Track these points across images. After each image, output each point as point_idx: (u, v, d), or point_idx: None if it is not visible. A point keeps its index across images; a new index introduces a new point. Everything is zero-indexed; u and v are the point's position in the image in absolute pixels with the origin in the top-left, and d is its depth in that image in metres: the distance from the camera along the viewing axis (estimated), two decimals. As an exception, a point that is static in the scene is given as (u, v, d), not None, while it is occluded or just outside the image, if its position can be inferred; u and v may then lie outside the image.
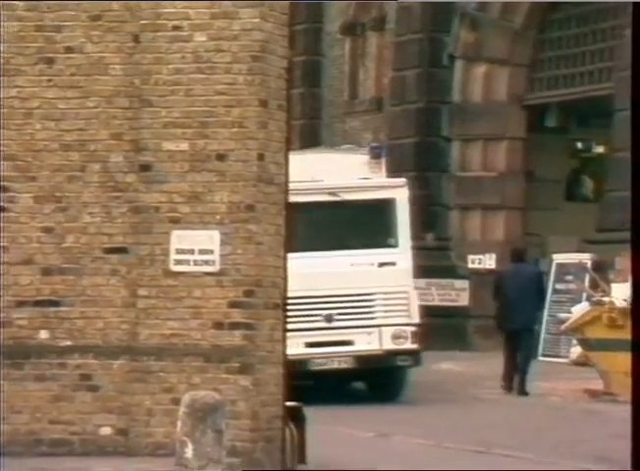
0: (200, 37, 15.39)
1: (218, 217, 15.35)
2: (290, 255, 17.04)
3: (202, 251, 15.31)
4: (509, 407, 28.37)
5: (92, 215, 15.48)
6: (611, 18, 35.86)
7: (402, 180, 24.19)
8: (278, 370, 15.85)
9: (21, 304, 15.46)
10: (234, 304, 15.28)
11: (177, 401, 14.05)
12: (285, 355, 16.12)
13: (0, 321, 15.34)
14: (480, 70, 39.99)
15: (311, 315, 21.44)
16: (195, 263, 15.32)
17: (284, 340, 16.14)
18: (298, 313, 20.16)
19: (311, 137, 41.31)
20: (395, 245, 22.58)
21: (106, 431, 15.36)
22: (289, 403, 16.12)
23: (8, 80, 15.45)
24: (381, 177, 24.19)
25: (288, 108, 16.28)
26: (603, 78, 35.98)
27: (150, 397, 15.29)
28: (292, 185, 17.33)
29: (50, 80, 15.61)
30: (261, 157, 15.52)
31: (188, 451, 13.99)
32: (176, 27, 15.45)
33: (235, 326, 15.30)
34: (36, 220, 15.49)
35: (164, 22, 15.49)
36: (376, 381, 24.93)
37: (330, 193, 21.77)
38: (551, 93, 39.21)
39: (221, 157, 15.38)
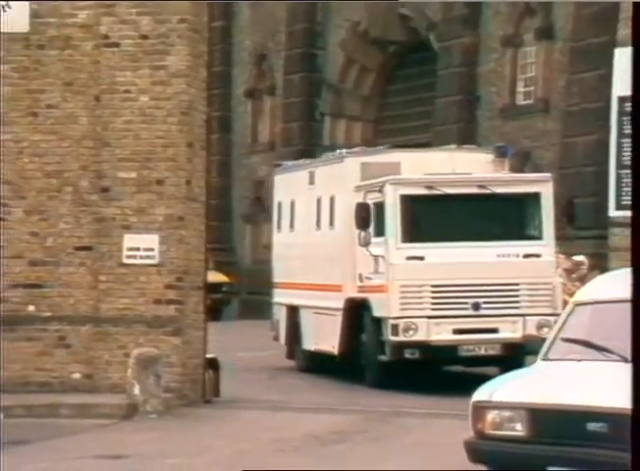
0: (144, 98, 15.65)
1: (157, 225, 15.52)
2: (431, 245, 17.35)
3: (146, 249, 15.53)
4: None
5: (66, 223, 15.77)
6: (429, 90, 35.33)
7: (548, 174, 19.87)
8: (200, 333, 16.02)
9: (14, 287, 15.75)
10: (168, 286, 15.49)
11: (127, 355, 14.89)
12: (205, 322, 16.17)
13: (0, 298, 15.55)
14: (342, 123, 39.81)
15: (459, 303, 17.40)
16: (141, 257, 15.57)
17: (204, 311, 16.23)
18: (447, 300, 17.50)
19: (224, 169, 41.12)
20: (539, 238, 18.21)
21: (76, 376, 15.64)
22: (208, 355, 16.11)
23: (5, 128, 15.67)
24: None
25: (207, 148, 16.58)
26: (424, 131, 35.42)
27: (108, 353, 15.52)
28: (440, 177, 17.80)
29: (35, 128, 15.84)
30: (188, 183, 15.76)
31: (136, 390, 14.39)
32: (126, 91, 15.64)
33: (169, 302, 15.51)
34: (26, 226, 15.80)
35: (118, 87, 15.70)
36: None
37: (479, 186, 17.76)
38: (390, 140, 39.07)
39: (160, 182, 15.57)
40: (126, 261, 15.51)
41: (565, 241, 23.05)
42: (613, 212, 15.02)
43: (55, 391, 15.30)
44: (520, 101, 33.19)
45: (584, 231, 25.04)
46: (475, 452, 8.75)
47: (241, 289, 38.77)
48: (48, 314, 15.66)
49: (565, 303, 11.28)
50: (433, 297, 17.35)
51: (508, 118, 33.21)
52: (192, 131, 15.83)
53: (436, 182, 17.75)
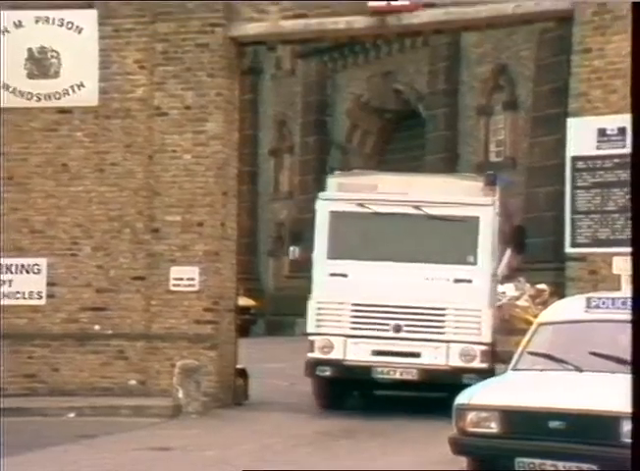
0: (188, 156, 15.69)
1: (198, 259, 15.48)
2: (357, 263, 13.90)
3: (188, 279, 15.46)
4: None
5: (125, 257, 15.76)
6: (419, 149, 35.46)
7: (490, 199, 15.08)
8: (232, 347, 15.98)
9: (84, 310, 15.76)
10: (206, 309, 15.42)
11: (173, 366, 14.85)
12: (236, 338, 16.13)
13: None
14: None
15: (380, 323, 13.76)
16: (184, 286, 15.50)
17: (235, 329, 16.17)
18: (367, 320, 13.81)
19: (252, 213, 41.14)
20: (473, 263, 14.29)
21: (133, 382, 15.60)
22: (239, 366, 16.06)
23: (77, 182, 15.90)
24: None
25: (238, 196, 16.52)
26: None
27: (158, 363, 15.45)
28: (373, 196, 14.40)
29: (102, 181, 15.87)
30: (223, 225, 15.73)
31: (180, 394, 14.36)
32: (174, 151, 15.67)
33: (207, 322, 15.43)
34: (93, 260, 15.81)
35: (167, 148, 15.73)
36: (438, 395, 15.62)
37: (415, 207, 14.02)
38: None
39: (200, 224, 15.53)
40: (172, 289, 15.48)
41: (530, 272, 23.06)
42: (568, 249, 14.84)
43: (116, 394, 15.32)
44: (493, 158, 33.24)
45: (545, 264, 25.06)
46: (457, 446, 8.72)
47: (266, 312, 38.73)
48: (110, 332, 15.67)
49: (530, 323, 11.23)
50: (353, 316, 13.78)
51: (483, 172, 33.21)
52: (226, 183, 15.81)
53: (368, 200, 14.14)
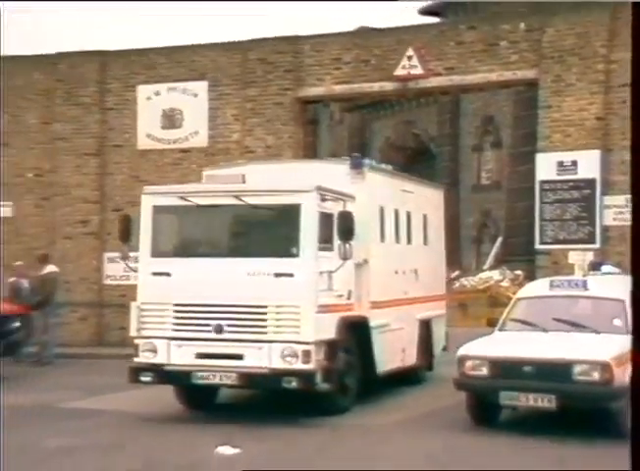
0: None
1: None
2: (180, 260, 9.11)
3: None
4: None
5: None
6: (430, 177, 35.24)
7: (311, 184, 8.94)
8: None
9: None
10: None
11: None
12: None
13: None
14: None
15: (202, 324, 8.85)
16: None
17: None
18: (189, 321, 8.90)
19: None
20: (295, 255, 8.79)
21: None
22: None
23: None
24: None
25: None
26: None
27: None
28: (195, 187, 9.77)
29: None
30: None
31: None
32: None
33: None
34: None
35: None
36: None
37: (235, 197, 8.93)
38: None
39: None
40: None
41: (510, 263, 22.95)
42: (537, 246, 14.75)
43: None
44: (483, 182, 33.09)
45: (521, 257, 24.79)
46: (459, 385, 8.63)
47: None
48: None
49: (510, 299, 11.07)
50: (175, 317, 8.95)
51: (476, 192, 33.11)
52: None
53: (190, 192, 9.32)
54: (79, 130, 16.49)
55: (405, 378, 10.63)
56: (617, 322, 8.70)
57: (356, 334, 9.34)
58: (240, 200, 8.80)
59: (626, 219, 13.17)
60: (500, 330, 9.21)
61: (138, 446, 7.86)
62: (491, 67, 14.64)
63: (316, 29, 39.73)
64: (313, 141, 43.84)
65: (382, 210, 10.18)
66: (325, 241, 8.76)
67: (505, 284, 20.74)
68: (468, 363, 8.48)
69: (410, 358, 10.90)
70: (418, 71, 14.84)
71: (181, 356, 8.82)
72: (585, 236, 14.00)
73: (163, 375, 8.85)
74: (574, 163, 14.02)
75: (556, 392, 8.11)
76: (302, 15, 55.84)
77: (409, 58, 14.87)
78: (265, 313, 8.59)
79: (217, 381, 8.79)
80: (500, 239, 29.64)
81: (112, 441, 8.02)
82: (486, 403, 8.57)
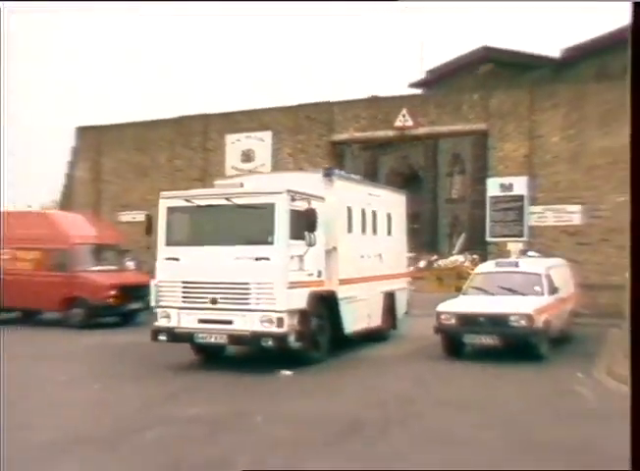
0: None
1: None
2: (186, 248, 8.44)
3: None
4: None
5: None
6: (419, 195, 34.87)
7: (283, 188, 7.98)
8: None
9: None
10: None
11: None
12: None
13: None
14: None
15: (202, 297, 8.12)
16: None
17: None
18: (193, 295, 8.27)
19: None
20: (271, 243, 7.87)
21: None
22: None
23: None
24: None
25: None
26: (416, 209, 35.02)
27: None
28: (197, 192, 9.06)
29: None
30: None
31: None
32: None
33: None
34: None
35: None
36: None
37: (226, 198, 8.21)
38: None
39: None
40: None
41: (471, 250, 22.74)
42: (488, 239, 14.80)
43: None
44: (453, 196, 32.82)
45: (477, 246, 24.58)
46: (437, 330, 8.57)
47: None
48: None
49: (470, 274, 10.92)
50: (183, 292, 8.37)
51: (449, 203, 32.84)
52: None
53: (193, 196, 8.76)
54: (190, 165, 16.80)
55: (373, 336, 9.78)
56: (537, 288, 8.78)
57: (326, 303, 8.48)
58: (229, 201, 8.16)
59: (543, 221, 13.85)
60: (463, 294, 9.18)
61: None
62: (457, 121, 14.75)
63: (343, 96, 39.47)
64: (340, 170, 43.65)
65: (349, 209, 9.22)
66: (297, 232, 7.90)
67: (467, 264, 20.78)
68: (443, 316, 8.48)
69: (375, 321, 9.82)
70: (410, 123, 15.02)
71: (187, 321, 8.21)
72: (518, 233, 14.09)
73: (174, 335, 8.23)
74: (511, 185, 14.18)
75: (499, 334, 8.15)
76: (333, 84, 55.85)
77: (404, 115, 15.03)
78: (248, 289, 7.87)
79: (213, 340, 8.12)
80: (464, 235, 29.40)
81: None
82: (455, 342, 8.55)
